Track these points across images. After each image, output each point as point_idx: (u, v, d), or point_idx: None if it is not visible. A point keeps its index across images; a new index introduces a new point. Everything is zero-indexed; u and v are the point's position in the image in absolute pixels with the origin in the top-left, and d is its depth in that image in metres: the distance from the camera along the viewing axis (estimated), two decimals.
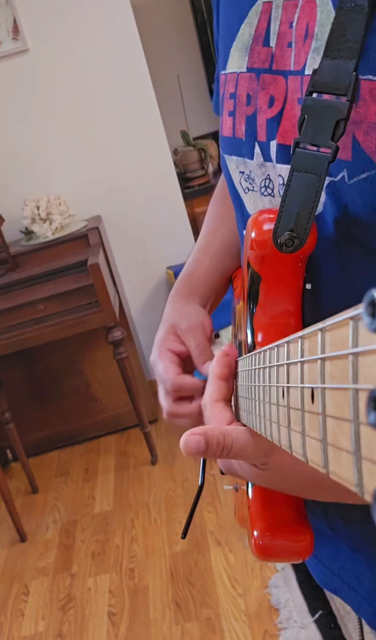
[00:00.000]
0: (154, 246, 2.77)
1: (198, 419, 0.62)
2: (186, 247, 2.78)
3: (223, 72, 0.63)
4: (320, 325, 0.23)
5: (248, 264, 0.54)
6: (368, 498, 0.19)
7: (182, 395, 0.65)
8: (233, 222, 0.76)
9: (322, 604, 1.63)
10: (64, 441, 2.75)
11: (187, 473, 2.35)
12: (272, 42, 0.54)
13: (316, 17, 0.49)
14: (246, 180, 0.62)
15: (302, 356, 0.26)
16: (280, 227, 0.48)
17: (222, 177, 0.83)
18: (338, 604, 1.62)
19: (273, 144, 0.55)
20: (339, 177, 0.48)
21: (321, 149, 0.46)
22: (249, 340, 0.56)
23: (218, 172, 2.94)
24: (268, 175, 0.58)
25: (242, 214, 0.65)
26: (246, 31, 0.57)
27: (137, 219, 2.71)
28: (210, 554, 1.93)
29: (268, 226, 0.50)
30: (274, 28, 0.54)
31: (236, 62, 0.59)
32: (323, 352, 0.23)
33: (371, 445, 0.18)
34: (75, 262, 2.26)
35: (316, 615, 1.61)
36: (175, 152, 2.76)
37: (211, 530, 2.02)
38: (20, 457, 2.46)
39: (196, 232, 2.79)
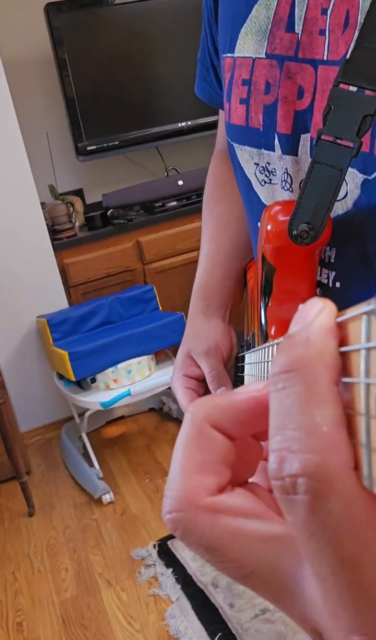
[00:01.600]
0: (23, 296, 2.77)
1: None
2: (55, 297, 2.81)
3: (229, 55, 0.58)
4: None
5: (263, 256, 0.53)
6: None
7: None
8: (234, 223, 0.75)
9: (220, 626, 1.68)
10: None
11: (67, 520, 2.31)
12: (298, 28, 0.50)
13: (358, 4, 0.45)
14: (262, 173, 0.58)
15: None
16: (297, 218, 0.47)
17: (214, 172, 0.82)
18: (234, 623, 1.68)
19: (306, 138, 0.52)
20: (373, 175, 0.46)
21: (344, 142, 0.44)
22: (263, 332, 0.56)
23: (84, 227, 3.04)
24: (286, 168, 0.55)
25: (256, 206, 0.62)
26: (262, 13, 0.53)
27: (6, 269, 2.71)
28: (102, 596, 1.90)
29: (284, 218, 0.49)
30: (299, 12, 0.50)
31: (251, 45, 0.55)
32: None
33: None
34: None
35: (216, 638, 1.64)
36: (43, 206, 2.82)
37: (99, 572, 2.00)
38: None
39: (65, 281, 2.84)
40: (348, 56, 0.44)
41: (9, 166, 2.61)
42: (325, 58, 0.48)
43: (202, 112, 2.99)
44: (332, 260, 0.53)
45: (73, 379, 2.39)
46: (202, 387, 0.67)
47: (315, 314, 0.22)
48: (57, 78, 2.86)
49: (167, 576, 1.91)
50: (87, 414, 2.57)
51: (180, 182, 2.96)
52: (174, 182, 2.96)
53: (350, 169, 0.47)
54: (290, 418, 0.21)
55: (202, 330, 0.70)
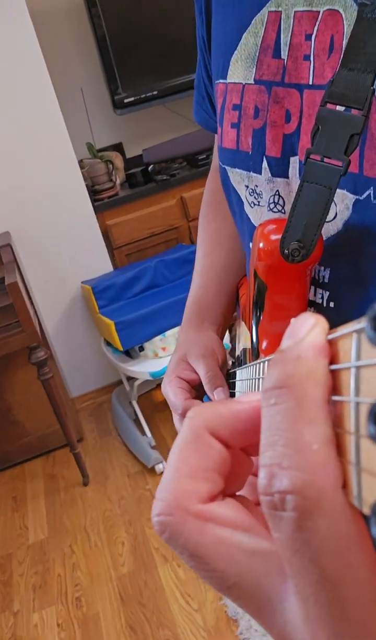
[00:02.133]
0: (67, 261, 2.69)
1: None
2: (99, 261, 2.73)
3: (222, 81, 0.60)
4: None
5: (255, 273, 0.53)
6: (366, 510, 0.19)
7: None
8: (228, 240, 0.76)
9: None
10: None
11: (122, 491, 2.30)
12: (284, 54, 0.52)
13: (342, 30, 0.47)
14: (251, 195, 0.60)
15: None
16: (287, 237, 0.48)
17: (210, 191, 0.83)
18: None
19: (295, 160, 0.53)
20: (364, 195, 0.47)
21: (333, 161, 0.45)
22: (254, 348, 0.56)
23: (125, 183, 2.91)
24: (277, 191, 0.56)
25: (247, 226, 0.63)
26: (250, 41, 0.55)
27: (47, 234, 2.63)
28: (159, 572, 1.89)
29: (275, 236, 0.50)
30: (285, 39, 0.51)
31: (241, 72, 0.57)
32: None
33: (370, 458, 0.19)
34: None
35: None
36: (81, 165, 2.70)
37: (156, 546, 1.99)
38: None
39: (109, 245, 2.75)
40: (333, 77, 0.45)
41: (44, 126, 2.48)
42: (310, 82, 0.50)
43: None
44: (326, 280, 0.54)
45: (121, 348, 2.33)
46: (193, 392, 0.67)
47: (307, 330, 0.23)
48: (88, 25, 2.67)
49: None
50: (137, 382, 2.52)
51: None
52: None
53: (339, 190, 0.49)
54: (280, 434, 0.21)
55: (198, 338, 0.71)
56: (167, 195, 2.78)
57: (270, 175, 0.56)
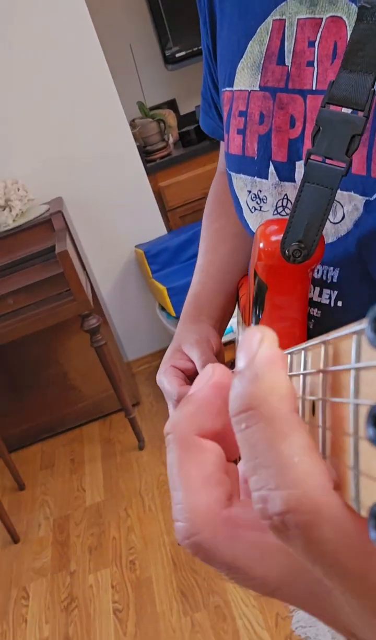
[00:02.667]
0: (120, 225, 2.66)
1: None
2: (153, 223, 2.69)
3: (228, 89, 0.61)
4: (323, 338, 0.23)
5: (256, 273, 0.54)
6: (363, 513, 0.19)
7: None
8: (230, 238, 0.77)
9: None
10: (46, 433, 2.68)
11: None
12: (287, 61, 0.53)
13: (346, 36, 0.47)
14: (253, 200, 0.61)
15: (305, 368, 0.26)
16: (289, 237, 0.48)
17: (215, 192, 0.84)
18: None
19: (300, 164, 0.54)
20: (375, 196, 0.48)
21: (334, 162, 0.46)
22: None
23: (178, 142, 2.83)
24: (286, 195, 0.57)
25: (247, 231, 0.65)
26: (256, 49, 0.56)
27: (99, 198, 2.60)
28: None
29: (276, 237, 0.50)
30: (289, 46, 0.53)
31: (246, 79, 0.58)
32: (325, 365, 0.23)
33: (369, 461, 0.18)
34: (41, 249, 2.16)
35: None
36: (132, 125, 2.64)
37: None
38: (2, 453, 2.38)
39: (162, 207, 2.70)
40: (334, 79, 0.45)
41: (93, 87, 2.42)
42: (313, 88, 0.51)
43: None
44: (335, 280, 0.55)
45: (174, 314, 2.31)
46: (188, 381, 0.67)
47: (256, 346, 0.22)
48: None
49: None
50: None
51: None
52: None
53: (346, 192, 0.49)
54: (260, 455, 0.21)
55: (195, 329, 0.72)
56: None
57: (277, 179, 0.57)
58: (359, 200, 0.49)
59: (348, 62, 0.45)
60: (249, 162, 0.59)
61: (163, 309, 2.51)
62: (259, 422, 0.21)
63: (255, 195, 0.60)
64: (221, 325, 0.75)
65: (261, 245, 0.51)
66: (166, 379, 0.67)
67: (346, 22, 0.48)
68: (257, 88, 0.57)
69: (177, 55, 2.68)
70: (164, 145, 2.70)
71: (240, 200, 0.64)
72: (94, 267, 2.69)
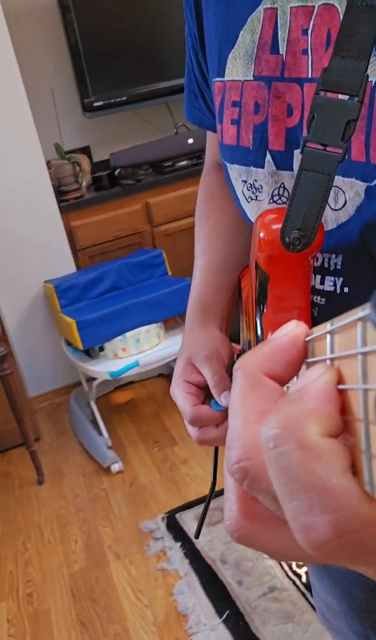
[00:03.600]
0: (30, 259, 2.70)
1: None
2: (63, 260, 2.74)
3: (219, 79, 0.61)
4: (328, 325, 0.23)
5: (257, 265, 0.53)
6: None
7: (203, 425, 0.63)
8: (226, 233, 0.77)
9: (228, 604, 1.68)
10: None
11: (76, 489, 2.31)
12: (282, 50, 0.53)
13: (339, 23, 0.47)
14: (249, 190, 0.60)
15: (312, 355, 0.26)
16: (288, 226, 0.48)
17: (204, 189, 0.84)
18: (243, 602, 1.68)
19: (298, 153, 0.53)
20: (375, 182, 0.48)
21: (330, 148, 0.45)
22: (259, 339, 0.56)
23: (91, 186, 2.94)
24: (282, 183, 0.57)
25: (245, 221, 0.65)
26: (247, 38, 0.55)
27: (12, 231, 2.63)
28: (111, 569, 1.91)
29: (276, 226, 0.49)
30: (282, 35, 0.52)
31: (239, 69, 0.57)
32: (332, 352, 0.23)
33: None
34: None
35: (224, 616, 1.65)
36: (48, 165, 2.72)
37: (109, 544, 2.01)
38: None
39: (73, 246, 2.77)
40: (327, 66, 0.45)
41: (13, 125, 2.50)
42: (309, 76, 0.51)
43: None
44: (339, 267, 0.54)
45: (81, 348, 2.35)
46: (202, 394, 0.66)
47: (316, 377, 0.23)
48: (61, 29, 2.70)
49: (175, 550, 1.91)
50: (95, 382, 2.54)
51: (190, 141, 2.83)
52: (184, 140, 2.84)
53: (347, 178, 0.49)
54: (295, 480, 0.21)
55: (202, 339, 0.70)
56: (132, 199, 2.82)
57: (274, 168, 0.57)
58: (360, 186, 0.48)
59: (339, 48, 0.45)
60: (244, 152, 0.58)
61: (70, 344, 2.54)
62: (290, 442, 0.21)
63: (251, 185, 0.60)
64: (228, 324, 0.74)
65: (261, 235, 0.51)
66: (180, 396, 0.66)
67: (339, 9, 0.47)
68: (251, 78, 0.56)
69: (95, 104, 2.82)
70: (78, 187, 2.79)
71: (236, 191, 0.63)
72: (1, 299, 2.69)
